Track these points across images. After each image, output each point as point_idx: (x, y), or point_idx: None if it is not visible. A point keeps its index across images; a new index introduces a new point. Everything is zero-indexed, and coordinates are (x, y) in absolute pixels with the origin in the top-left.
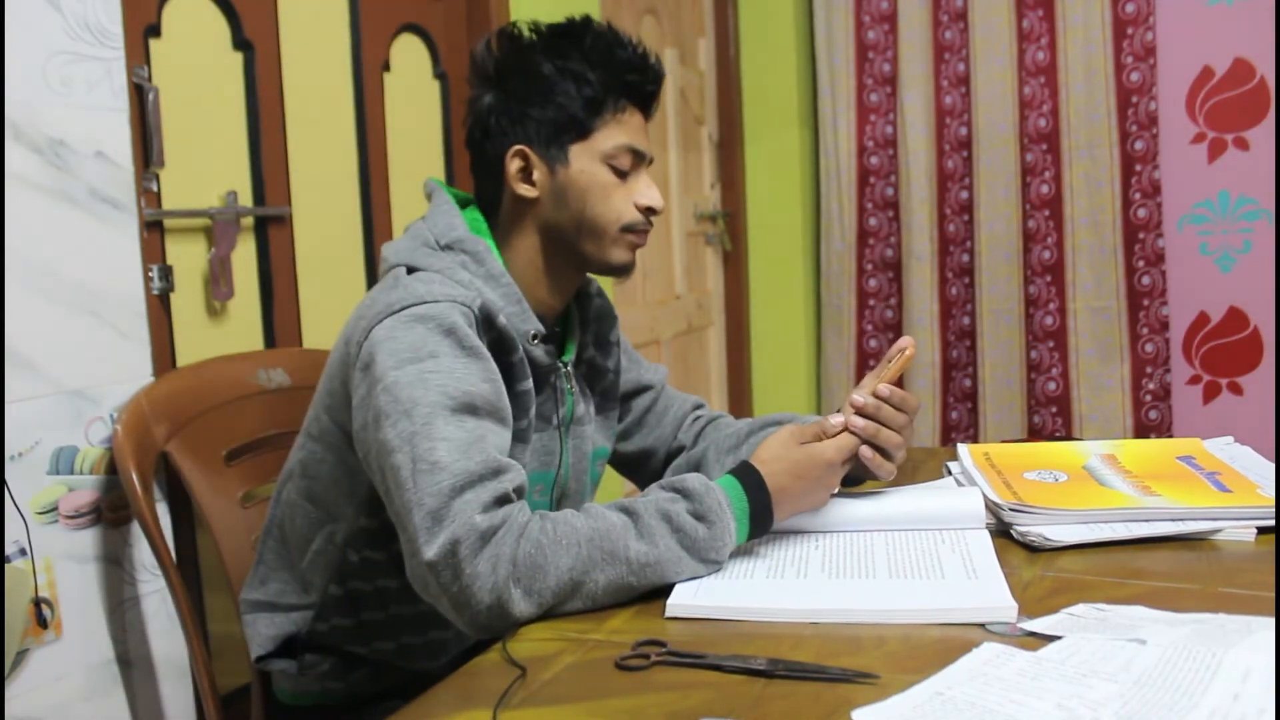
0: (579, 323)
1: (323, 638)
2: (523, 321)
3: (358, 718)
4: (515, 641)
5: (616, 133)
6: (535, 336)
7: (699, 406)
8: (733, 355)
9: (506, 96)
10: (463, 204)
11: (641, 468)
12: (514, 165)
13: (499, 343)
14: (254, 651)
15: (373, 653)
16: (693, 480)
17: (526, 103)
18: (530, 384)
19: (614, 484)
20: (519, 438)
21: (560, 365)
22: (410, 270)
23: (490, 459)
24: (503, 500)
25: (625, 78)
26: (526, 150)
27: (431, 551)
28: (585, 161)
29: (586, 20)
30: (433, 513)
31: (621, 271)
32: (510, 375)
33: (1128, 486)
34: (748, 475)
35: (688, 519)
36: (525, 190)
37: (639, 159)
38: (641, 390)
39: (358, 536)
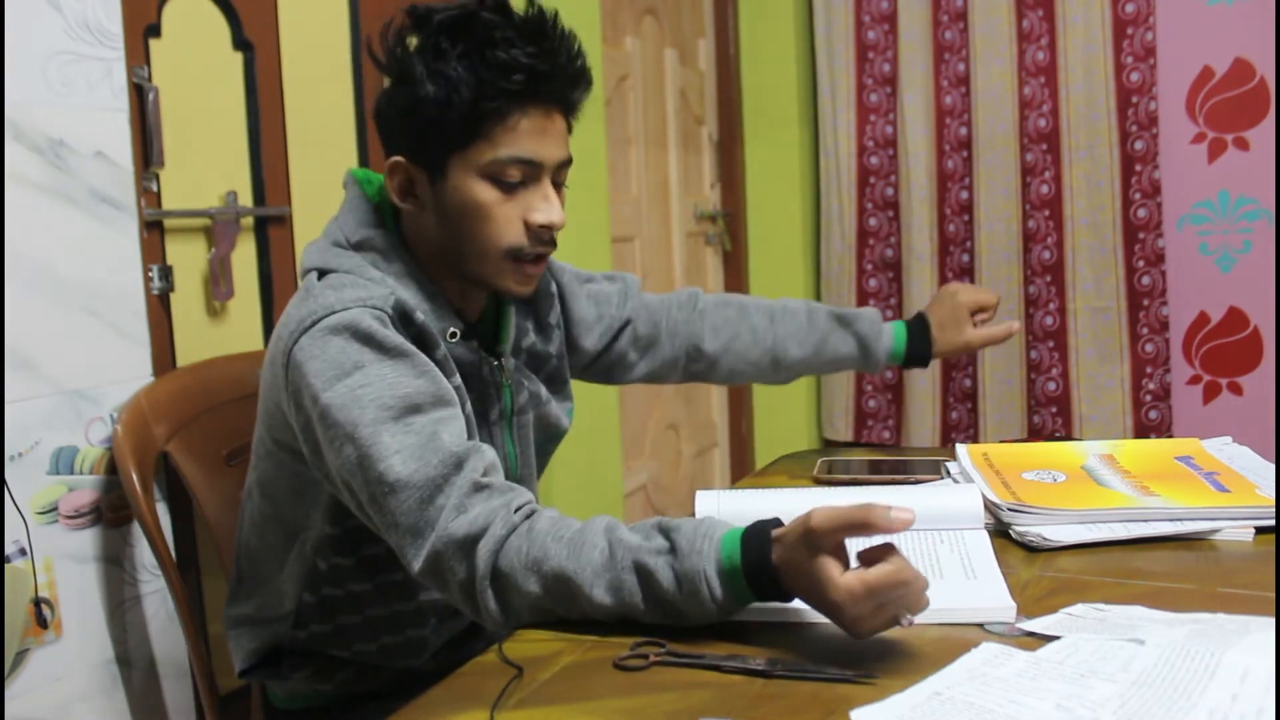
0: (517, 305)
1: (303, 644)
2: (438, 319)
3: (352, 718)
4: (513, 641)
5: (498, 144)
6: (453, 335)
7: (682, 303)
8: None
9: (387, 99)
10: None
11: (665, 379)
12: (394, 178)
13: (420, 338)
14: (237, 665)
15: (355, 655)
16: (684, 539)
17: (402, 110)
18: (458, 379)
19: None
20: None
21: (490, 361)
22: (323, 274)
23: (448, 455)
24: (478, 488)
25: (502, 82)
26: (403, 162)
27: (418, 565)
28: (462, 177)
29: (475, 10)
30: (410, 529)
31: (510, 298)
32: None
33: (1126, 486)
34: (754, 551)
35: (664, 589)
36: (406, 205)
37: (533, 168)
38: (620, 331)
39: (324, 544)
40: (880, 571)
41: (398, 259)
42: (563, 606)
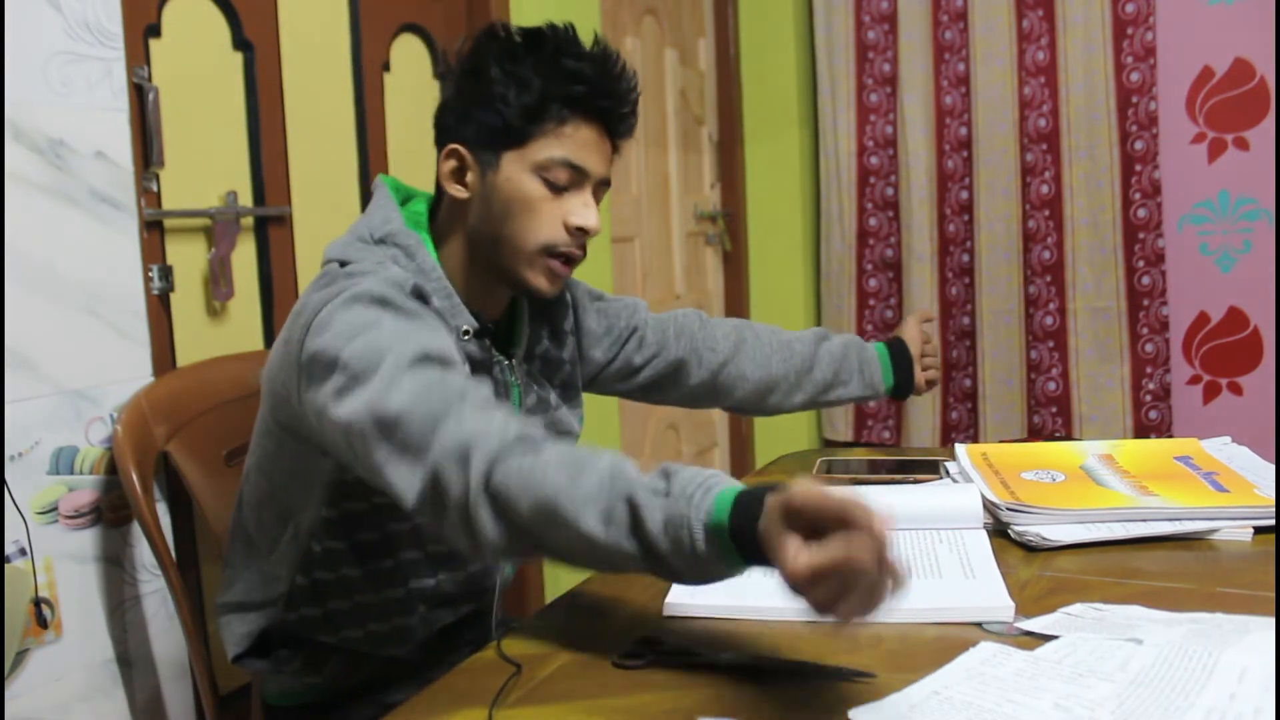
0: (533, 313)
1: (293, 628)
2: (453, 316)
3: (346, 716)
4: (512, 639)
5: (554, 144)
6: (466, 333)
7: (688, 314)
8: None
9: (457, 94)
10: (410, 198)
11: (670, 389)
12: (447, 164)
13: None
14: (230, 652)
15: (342, 641)
16: (681, 487)
17: (470, 102)
18: (467, 372)
19: None
20: None
21: (500, 360)
22: (343, 265)
23: (454, 390)
24: (482, 406)
25: (569, 89)
26: (461, 149)
27: (415, 490)
28: (514, 170)
29: (557, 27)
30: (413, 450)
31: (536, 296)
32: None
33: (1125, 486)
34: (745, 510)
35: (649, 527)
36: (455, 191)
37: (580, 175)
38: (627, 339)
39: (319, 527)
40: (826, 554)
41: (418, 257)
42: (551, 533)
